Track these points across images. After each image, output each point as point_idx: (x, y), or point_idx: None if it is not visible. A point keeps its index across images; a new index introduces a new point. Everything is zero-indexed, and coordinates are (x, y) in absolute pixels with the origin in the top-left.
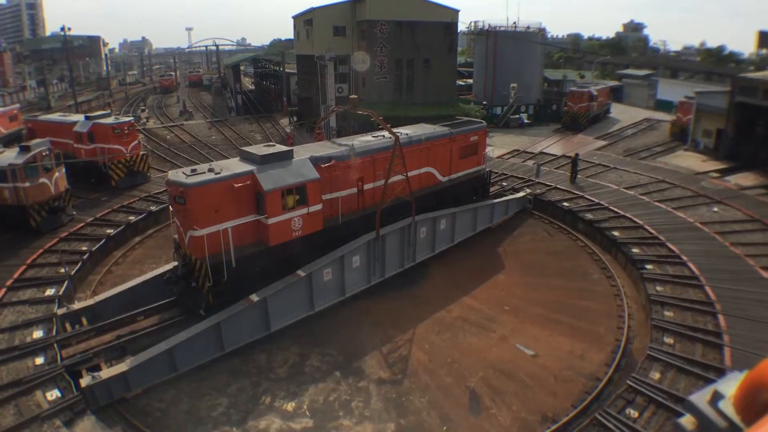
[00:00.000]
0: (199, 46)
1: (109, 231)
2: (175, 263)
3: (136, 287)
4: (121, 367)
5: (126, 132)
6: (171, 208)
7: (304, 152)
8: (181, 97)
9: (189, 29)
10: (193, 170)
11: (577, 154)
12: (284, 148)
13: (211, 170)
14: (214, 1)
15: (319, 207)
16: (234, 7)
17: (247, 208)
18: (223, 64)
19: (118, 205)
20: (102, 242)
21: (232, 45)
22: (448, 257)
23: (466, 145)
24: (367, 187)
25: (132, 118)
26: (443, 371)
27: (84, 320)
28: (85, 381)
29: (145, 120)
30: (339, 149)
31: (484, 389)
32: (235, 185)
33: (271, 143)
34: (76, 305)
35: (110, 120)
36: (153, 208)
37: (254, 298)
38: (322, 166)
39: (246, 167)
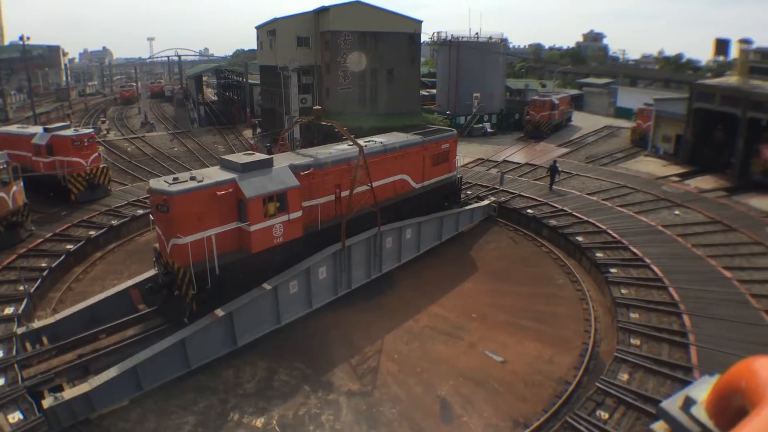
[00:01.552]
0: (161, 57)
1: (69, 246)
2: (156, 272)
3: (97, 304)
4: (84, 387)
5: (86, 144)
6: (152, 217)
7: (283, 160)
8: (143, 109)
9: (151, 39)
10: (176, 179)
11: (554, 161)
12: (264, 156)
13: (193, 178)
14: (177, 10)
15: (299, 214)
16: (197, 17)
17: (229, 215)
18: (186, 75)
19: (78, 219)
20: (62, 258)
21: (195, 55)
22: (414, 266)
23: (437, 153)
24: (344, 194)
25: (92, 129)
26: (413, 381)
27: (44, 339)
28: (47, 402)
29: (105, 132)
30: (317, 158)
31: (455, 397)
32: (218, 193)
33: (249, 152)
34: (36, 324)
35: (70, 132)
36: (114, 222)
37: (219, 313)
38: (302, 173)
39: (228, 175)
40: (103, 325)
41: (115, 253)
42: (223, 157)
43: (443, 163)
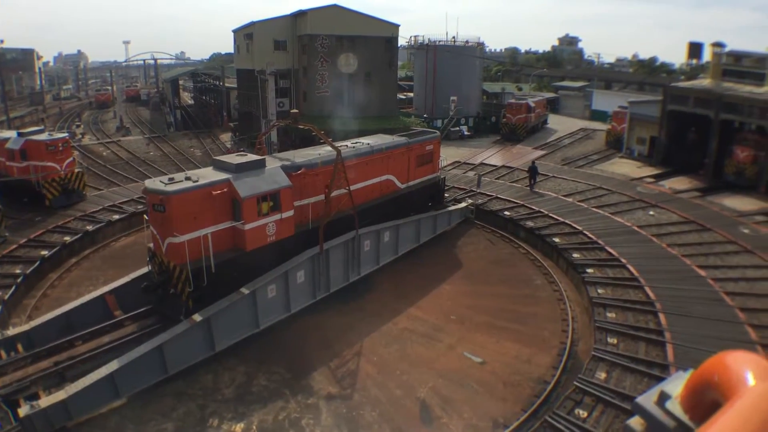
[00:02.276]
0: (137, 60)
1: (43, 252)
2: (149, 271)
3: (73, 311)
4: (60, 395)
5: (60, 149)
6: (146, 218)
7: (275, 161)
8: (118, 113)
9: (126, 42)
10: (171, 179)
11: (534, 162)
12: (257, 157)
13: (188, 179)
14: (153, 14)
15: (291, 213)
16: (173, 20)
17: (223, 215)
18: (162, 79)
19: (52, 225)
20: (36, 264)
21: (171, 59)
22: (393, 269)
23: (422, 154)
24: (334, 194)
25: (67, 134)
26: (393, 383)
27: (20, 347)
28: (23, 410)
29: (80, 136)
30: (308, 158)
31: (435, 399)
32: (213, 192)
33: (243, 152)
34: (11, 331)
35: (44, 136)
36: (89, 227)
37: (197, 317)
38: (293, 174)
39: (222, 176)
40: (79, 331)
41: (90, 259)
42: (216, 158)
43: (427, 164)
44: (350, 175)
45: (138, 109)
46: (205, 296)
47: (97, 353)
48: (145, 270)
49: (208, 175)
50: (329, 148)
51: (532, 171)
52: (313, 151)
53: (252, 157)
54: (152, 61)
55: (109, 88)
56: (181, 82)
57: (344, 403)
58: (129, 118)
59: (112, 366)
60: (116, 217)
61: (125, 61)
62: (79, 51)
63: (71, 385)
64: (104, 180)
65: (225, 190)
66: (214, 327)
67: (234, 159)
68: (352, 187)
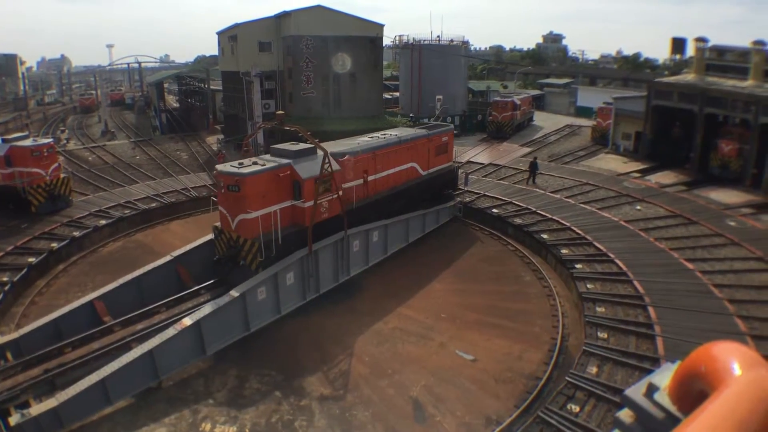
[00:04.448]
0: (121, 64)
1: (30, 260)
2: (215, 247)
3: (62, 318)
4: (51, 403)
5: (45, 154)
6: (214, 199)
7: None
8: (103, 117)
9: (110, 46)
10: (240, 163)
11: (535, 158)
12: (308, 145)
13: (255, 163)
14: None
15: (340, 194)
16: (157, 23)
17: (286, 194)
18: (146, 82)
19: (39, 231)
20: (24, 272)
21: (156, 62)
22: (382, 269)
23: (439, 144)
24: (370, 178)
25: (51, 139)
26: (385, 383)
27: (9, 355)
28: (14, 419)
29: (65, 141)
30: (350, 146)
31: (427, 397)
32: (280, 174)
33: (294, 142)
34: (0, 339)
35: (28, 142)
36: (76, 233)
37: (187, 321)
38: (339, 160)
39: (284, 161)
40: (68, 338)
41: (78, 265)
42: (273, 146)
43: (443, 154)
44: (381, 163)
45: (123, 113)
46: (271, 265)
47: (88, 360)
48: (135, 274)
49: (271, 160)
50: (367, 138)
51: (533, 166)
52: (352, 141)
53: (304, 145)
54: (136, 65)
55: (94, 92)
56: (165, 86)
57: (337, 403)
58: (114, 123)
59: (103, 372)
60: (103, 222)
61: (109, 65)
62: (62, 55)
63: (62, 392)
64: (90, 185)
65: (288, 172)
66: (204, 331)
67: (292, 146)
68: (383, 174)
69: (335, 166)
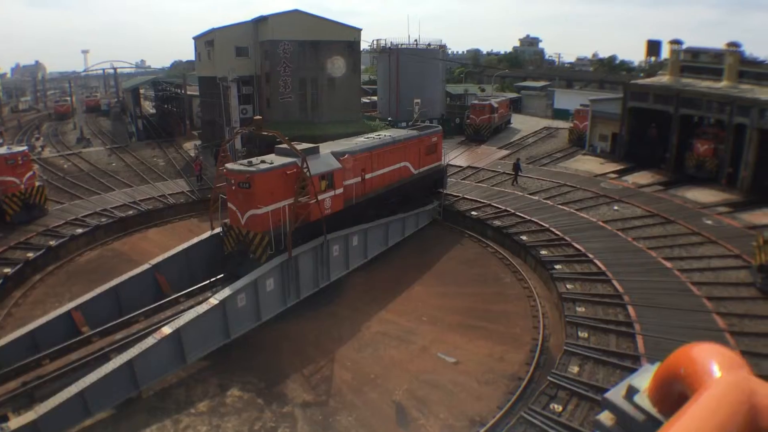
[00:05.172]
0: (96, 70)
1: (6, 270)
2: (225, 242)
3: (39, 329)
4: (30, 416)
5: (20, 163)
6: (225, 196)
7: (325, 148)
8: (78, 124)
9: (85, 52)
10: (249, 162)
11: (518, 159)
12: (312, 144)
13: (263, 162)
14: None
15: (341, 190)
16: (132, 28)
17: (292, 191)
18: (122, 88)
19: (14, 241)
20: (0, 282)
21: (131, 67)
22: (363, 273)
23: (429, 145)
24: (367, 176)
25: (26, 147)
26: (368, 387)
27: None
28: None
29: (40, 149)
30: (348, 146)
31: (411, 401)
32: (287, 172)
33: (298, 142)
34: None
35: (2, 150)
36: (52, 243)
37: (166, 330)
38: (340, 158)
39: (290, 159)
40: (46, 350)
41: (55, 275)
42: (277, 146)
43: (433, 154)
44: (377, 162)
45: (99, 119)
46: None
47: (66, 371)
48: (112, 283)
49: (278, 159)
50: (364, 138)
51: (516, 167)
52: (350, 141)
53: (307, 144)
54: (112, 71)
55: (69, 99)
56: (142, 91)
57: (320, 409)
58: (90, 129)
59: (82, 383)
60: (80, 230)
61: (84, 71)
62: (36, 62)
63: (41, 405)
64: (66, 193)
65: (294, 170)
66: (184, 339)
67: (296, 145)
68: (379, 172)
69: (337, 164)
